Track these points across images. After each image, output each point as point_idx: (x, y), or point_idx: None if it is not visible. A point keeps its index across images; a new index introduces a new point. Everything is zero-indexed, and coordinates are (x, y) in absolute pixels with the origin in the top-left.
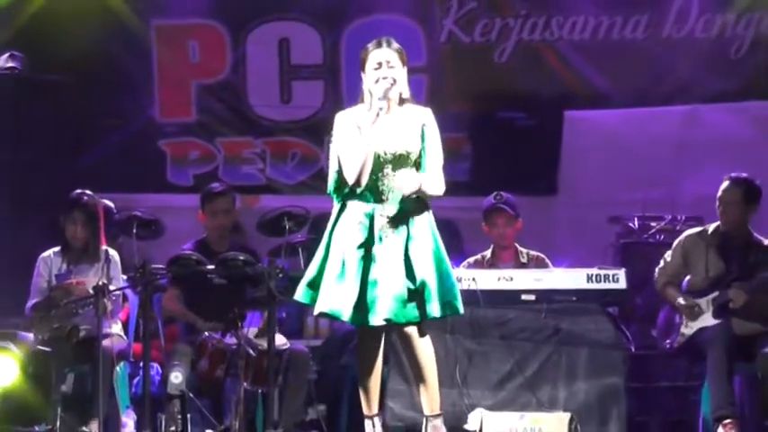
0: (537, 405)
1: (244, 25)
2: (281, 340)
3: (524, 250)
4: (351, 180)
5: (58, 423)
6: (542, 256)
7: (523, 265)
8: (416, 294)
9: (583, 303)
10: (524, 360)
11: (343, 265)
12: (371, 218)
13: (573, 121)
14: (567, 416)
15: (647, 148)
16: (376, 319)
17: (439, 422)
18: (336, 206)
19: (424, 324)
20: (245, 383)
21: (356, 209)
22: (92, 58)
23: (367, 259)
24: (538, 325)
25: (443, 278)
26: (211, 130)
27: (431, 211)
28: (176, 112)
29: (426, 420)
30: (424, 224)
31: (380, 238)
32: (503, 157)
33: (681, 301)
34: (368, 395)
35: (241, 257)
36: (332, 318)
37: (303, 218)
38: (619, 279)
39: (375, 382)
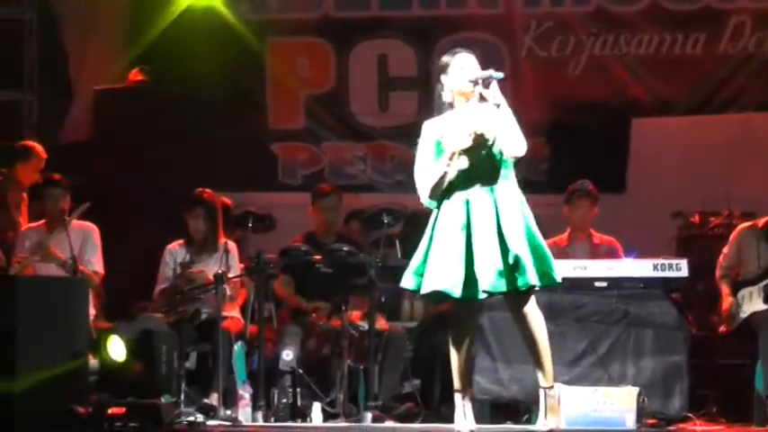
0: (608, 380)
1: (347, 43)
2: (380, 322)
3: (597, 234)
4: (426, 195)
5: (183, 396)
6: (613, 239)
7: (596, 247)
8: (512, 266)
9: (649, 290)
10: (597, 340)
11: (446, 247)
12: (467, 203)
13: (639, 127)
14: (635, 390)
15: (705, 151)
16: (479, 293)
17: (554, 392)
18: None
19: (524, 294)
20: (348, 361)
21: (455, 198)
22: (212, 71)
23: (466, 239)
24: (609, 309)
25: (537, 251)
26: (318, 136)
27: (520, 193)
28: (287, 120)
29: (544, 392)
30: (514, 203)
31: (476, 220)
32: (577, 159)
33: (725, 303)
34: (459, 370)
35: (345, 248)
36: (441, 296)
37: (400, 213)
38: (681, 268)
39: (467, 357)
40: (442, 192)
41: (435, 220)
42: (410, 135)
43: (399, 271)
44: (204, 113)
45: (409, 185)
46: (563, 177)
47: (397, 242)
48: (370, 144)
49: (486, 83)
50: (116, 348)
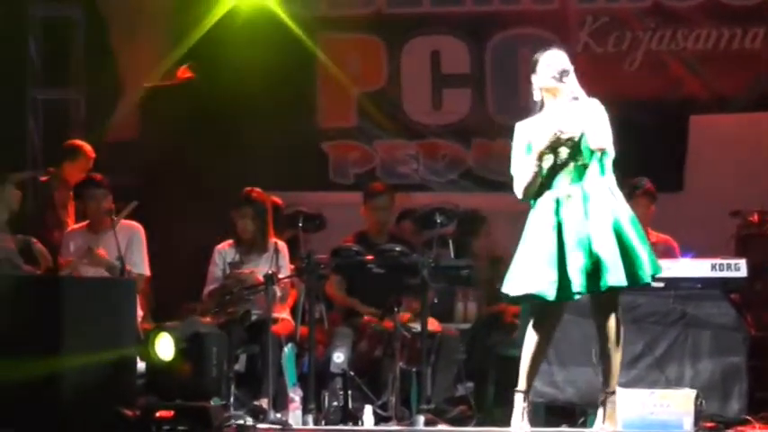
0: (665, 383)
1: (399, 39)
2: (433, 324)
3: (654, 233)
4: (519, 195)
5: (232, 399)
6: (670, 238)
7: (653, 246)
8: (597, 267)
9: (707, 290)
10: (654, 341)
11: (537, 249)
12: (557, 202)
13: (697, 124)
14: (692, 392)
15: (764, 148)
16: (573, 294)
17: (615, 398)
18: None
19: (608, 295)
20: (400, 363)
21: (545, 197)
22: (262, 68)
23: (558, 240)
24: (666, 309)
25: (626, 250)
26: (370, 134)
27: (614, 190)
28: (338, 118)
29: (606, 396)
30: (604, 201)
31: (566, 220)
32: (634, 157)
33: None
34: (529, 371)
35: (397, 248)
36: (535, 299)
37: (453, 213)
38: (740, 268)
39: (540, 359)
40: (535, 191)
41: (531, 213)
42: (463, 133)
43: (452, 271)
44: (254, 111)
45: (462, 184)
46: (620, 174)
47: (450, 242)
48: (423, 142)
49: (562, 77)
50: (165, 347)
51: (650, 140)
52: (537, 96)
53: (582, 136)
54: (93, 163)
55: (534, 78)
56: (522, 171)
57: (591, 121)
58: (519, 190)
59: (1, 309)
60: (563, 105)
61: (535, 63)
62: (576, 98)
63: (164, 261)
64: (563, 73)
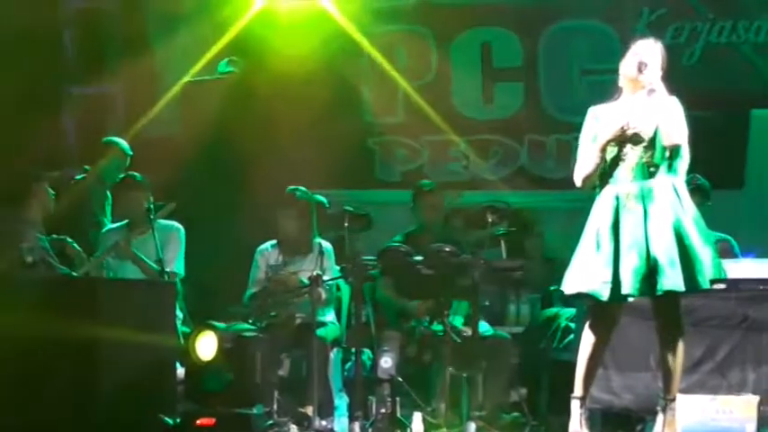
0: (727, 388)
1: (449, 31)
2: (484, 327)
3: (710, 232)
4: (577, 182)
5: (275, 405)
6: (727, 237)
7: None
8: (654, 269)
9: None
10: (714, 346)
11: (594, 247)
12: (617, 199)
13: (760, 119)
14: (755, 398)
15: None
16: (622, 295)
17: (675, 405)
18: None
19: (667, 299)
20: (450, 368)
21: (606, 192)
22: (306, 62)
23: (614, 239)
24: (726, 312)
25: (686, 252)
26: (418, 130)
27: (680, 187)
28: (385, 113)
29: (666, 403)
30: (667, 200)
31: (625, 218)
32: (692, 152)
33: None
34: (585, 376)
35: (447, 249)
36: (590, 298)
37: (504, 211)
38: None
39: (597, 363)
40: (595, 184)
41: (592, 208)
42: (515, 129)
43: (504, 272)
44: (297, 107)
45: (514, 182)
46: None
47: (502, 242)
48: (473, 138)
49: (641, 68)
50: (206, 346)
51: (710, 136)
52: (620, 82)
53: (655, 131)
54: (130, 160)
55: (620, 64)
56: (583, 159)
57: (666, 117)
58: (578, 178)
59: (36, 312)
60: (639, 98)
61: (627, 48)
62: (653, 90)
63: (203, 263)
64: (642, 64)
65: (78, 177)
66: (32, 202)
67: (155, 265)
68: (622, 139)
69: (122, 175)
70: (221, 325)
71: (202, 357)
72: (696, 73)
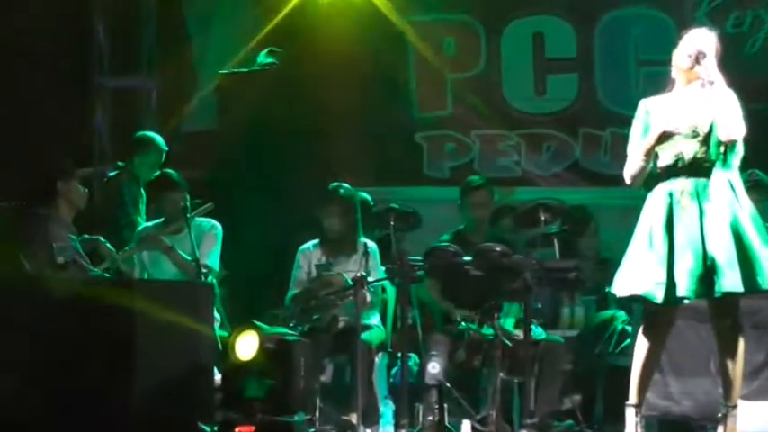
0: None
1: (499, 20)
2: (536, 331)
3: None
4: (626, 180)
5: (318, 413)
6: None
7: None
8: (711, 270)
9: None
10: None
11: (647, 247)
12: (670, 196)
13: None
14: None
15: None
16: (677, 297)
17: (737, 412)
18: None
19: (724, 301)
20: (501, 373)
21: (659, 189)
22: (350, 53)
23: (668, 238)
24: None
25: (744, 252)
26: (467, 124)
27: (736, 185)
28: (433, 107)
29: (727, 410)
30: (723, 198)
31: (679, 216)
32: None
33: None
34: (640, 382)
35: (497, 248)
36: (643, 300)
37: (558, 209)
38: None
39: (652, 369)
40: (646, 182)
41: (644, 207)
42: (569, 122)
43: (557, 273)
44: (340, 99)
45: (568, 178)
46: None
47: (555, 241)
48: (525, 132)
49: (697, 58)
50: (247, 346)
51: None
52: (673, 74)
53: (711, 125)
54: (165, 156)
55: (673, 54)
56: (634, 155)
57: (723, 111)
58: (627, 175)
59: (68, 314)
60: (693, 90)
61: (679, 38)
62: (711, 82)
63: (243, 263)
64: (700, 55)
65: (111, 174)
66: (63, 201)
67: (188, 257)
68: (676, 134)
69: (157, 173)
70: (266, 327)
71: (242, 357)
72: (757, 62)
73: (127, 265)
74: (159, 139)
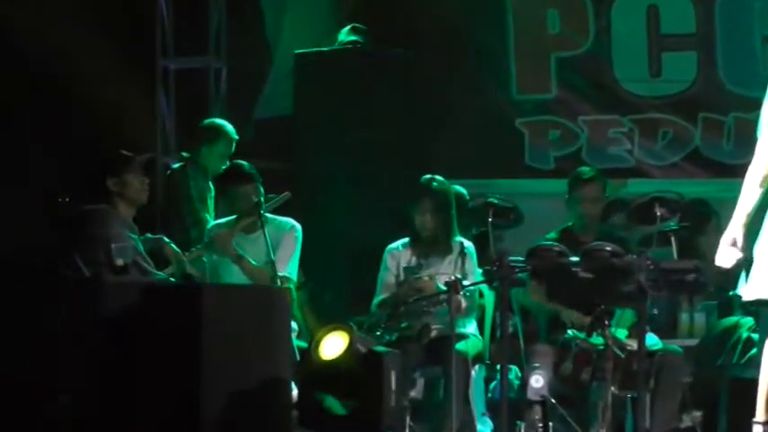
0: None
1: None
2: (652, 340)
3: None
4: (754, 175)
5: None
6: None
7: None
8: None
9: None
10: None
11: None
12: None
13: None
14: None
15: None
16: None
17: None
18: None
19: None
20: (612, 388)
21: None
22: (440, 30)
23: None
24: None
25: None
26: (573, 108)
27: None
28: (535, 89)
29: None
30: None
31: None
32: None
33: None
34: None
35: (608, 248)
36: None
37: (675, 204)
38: None
39: None
40: None
41: None
42: (688, 106)
43: (675, 275)
44: (431, 81)
45: (686, 169)
46: None
47: (673, 239)
48: (638, 117)
49: None
50: (334, 346)
51: None
52: None
53: None
54: (235, 146)
55: None
56: (763, 149)
57: None
58: (756, 172)
59: (129, 323)
60: None
61: None
62: None
63: (323, 265)
64: None
65: (175, 166)
66: (118, 198)
67: (261, 266)
68: None
69: (227, 164)
70: (361, 333)
71: (326, 356)
72: None
73: (195, 267)
74: (229, 126)
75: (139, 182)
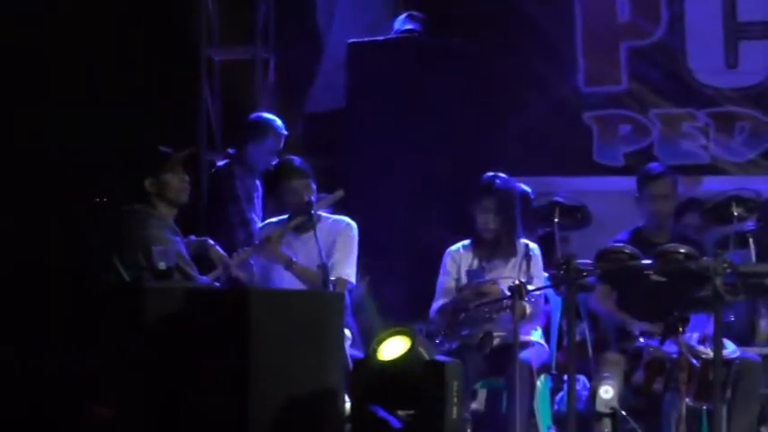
0: None
1: None
2: (729, 348)
3: None
4: None
5: None
6: None
7: None
8: None
9: None
10: None
11: None
12: None
13: None
14: None
15: None
16: None
17: None
18: None
19: None
20: (687, 399)
21: None
22: (503, 18)
23: None
24: None
25: None
26: (644, 101)
27: None
28: (603, 81)
29: None
30: None
31: None
32: None
33: None
34: None
35: (682, 250)
36: None
37: (753, 203)
38: None
39: None
40: None
41: None
42: (767, 99)
43: (754, 279)
44: (493, 72)
45: (765, 166)
46: None
47: (750, 240)
48: (714, 111)
49: None
50: (395, 347)
51: None
52: None
53: None
54: (285, 142)
55: None
56: None
57: None
58: None
59: (171, 331)
60: None
61: None
62: None
63: (378, 268)
64: None
65: (220, 164)
66: (157, 199)
67: (313, 269)
68: None
69: (276, 161)
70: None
71: (385, 357)
72: None
73: (242, 270)
74: (277, 121)
75: (179, 180)
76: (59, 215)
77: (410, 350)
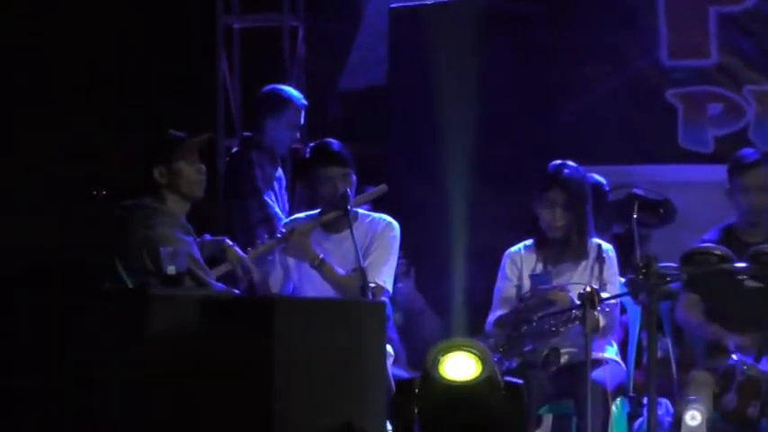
0: None
1: None
2: None
3: None
4: None
5: None
6: None
7: None
8: None
9: None
10: None
11: None
12: None
13: None
14: None
15: None
16: None
17: None
18: None
19: None
20: None
21: None
22: None
23: None
24: None
25: None
26: (738, 76)
27: None
28: (690, 53)
29: None
30: None
31: None
32: None
33: None
34: None
35: None
36: None
37: None
38: None
39: None
40: None
41: None
42: None
43: None
44: (560, 43)
45: None
46: None
47: None
48: None
49: None
50: (460, 368)
51: None
52: None
53: None
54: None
55: None
56: None
57: None
58: None
59: (183, 345)
60: None
61: None
62: None
63: (425, 272)
64: None
65: (234, 150)
66: (168, 191)
67: (349, 273)
68: None
69: (312, 144)
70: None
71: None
72: None
73: (260, 266)
74: (295, 92)
75: (194, 170)
76: (55, 211)
77: (483, 371)
